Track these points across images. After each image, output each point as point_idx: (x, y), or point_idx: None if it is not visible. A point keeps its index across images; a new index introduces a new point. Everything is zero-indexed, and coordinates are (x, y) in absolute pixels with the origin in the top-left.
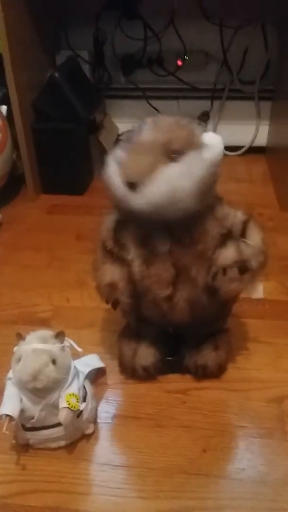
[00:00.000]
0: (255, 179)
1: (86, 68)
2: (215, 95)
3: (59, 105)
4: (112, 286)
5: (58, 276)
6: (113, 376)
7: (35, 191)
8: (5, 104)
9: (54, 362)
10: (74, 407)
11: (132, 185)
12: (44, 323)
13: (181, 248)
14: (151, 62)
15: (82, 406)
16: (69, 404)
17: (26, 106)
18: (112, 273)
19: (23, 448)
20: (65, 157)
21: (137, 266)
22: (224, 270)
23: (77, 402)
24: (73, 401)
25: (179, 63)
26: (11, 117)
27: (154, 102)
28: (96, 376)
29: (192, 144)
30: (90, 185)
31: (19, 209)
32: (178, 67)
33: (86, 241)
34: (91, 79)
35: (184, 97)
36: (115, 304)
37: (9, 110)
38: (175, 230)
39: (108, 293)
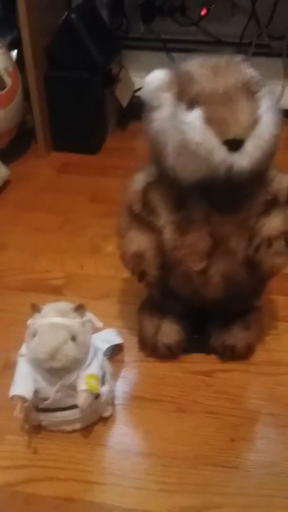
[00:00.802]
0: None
1: (103, 14)
2: (240, 49)
3: (74, 51)
4: (139, 255)
5: (71, 241)
6: (131, 353)
7: (45, 148)
8: (16, 48)
9: (73, 339)
10: (94, 390)
11: (235, 144)
12: (55, 291)
13: (221, 215)
14: (173, 10)
15: (103, 389)
16: (89, 386)
17: (39, 52)
18: (139, 241)
19: (35, 429)
20: (79, 111)
21: (168, 234)
22: (269, 242)
23: (98, 384)
24: (93, 383)
25: (203, 12)
26: (22, 63)
27: (175, 55)
28: (113, 352)
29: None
30: (104, 144)
31: (29, 167)
32: (201, 16)
33: (100, 204)
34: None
35: (207, 51)
36: (141, 276)
37: (20, 56)
38: (215, 194)
39: (135, 264)
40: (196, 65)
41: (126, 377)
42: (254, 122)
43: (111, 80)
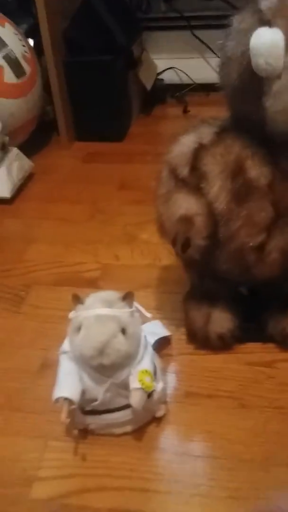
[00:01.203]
0: None
1: None
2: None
3: (94, 33)
4: (187, 220)
5: (103, 231)
6: (179, 346)
7: (68, 138)
8: (32, 38)
9: (123, 331)
10: (149, 388)
11: None
12: (91, 284)
13: (286, 182)
14: None
15: (158, 386)
16: (142, 384)
17: (57, 36)
18: (188, 203)
19: (81, 433)
20: (102, 97)
21: (223, 203)
22: None
23: (152, 381)
24: (147, 380)
25: None
26: (40, 51)
27: (199, 33)
28: (159, 346)
29: None
30: (129, 131)
31: (52, 159)
32: None
33: (130, 191)
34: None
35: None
36: (185, 246)
37: (36, 44)
38: (282, 157)
39: (181, 230)
40: None
41: (176, 373)
42: None
43: (133, 63)
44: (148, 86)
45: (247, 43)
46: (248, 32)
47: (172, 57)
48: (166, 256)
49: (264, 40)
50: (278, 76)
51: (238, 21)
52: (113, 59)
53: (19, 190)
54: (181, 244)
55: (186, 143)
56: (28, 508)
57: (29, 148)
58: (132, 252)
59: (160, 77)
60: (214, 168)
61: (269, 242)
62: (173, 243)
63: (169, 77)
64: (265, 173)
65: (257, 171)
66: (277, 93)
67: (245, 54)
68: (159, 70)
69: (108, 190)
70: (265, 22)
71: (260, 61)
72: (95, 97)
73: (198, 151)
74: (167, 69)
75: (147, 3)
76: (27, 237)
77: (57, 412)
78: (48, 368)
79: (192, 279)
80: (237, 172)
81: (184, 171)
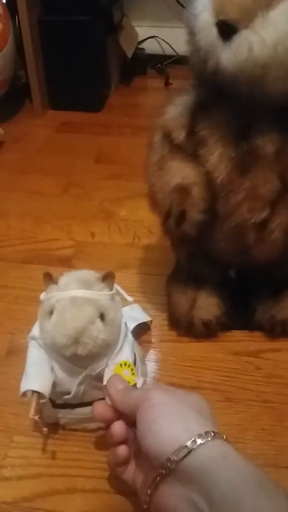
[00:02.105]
0: None
1: None
2: None
3: None
4: (182, 190)
5: (77, 206)
6: (159, 332)
7: (42, 106)
8: None
9: (102, 317)
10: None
11: (227, 28)
12: (64, 262)
13: None
14: None
15: (138, 381)
16: None
17: None
18: (184, 171)
19: (51, 428)
20: (79, 61)
21: (223, 173)
22: None
23: (132, 374)
24: (126, 373)
25: None
26: (13, 9)
27: (185, 1)
28: (138, 332)
29: None
30: (107, 101)
31: (24, 127)
32: None
33: (108, 165)
34: None
35: None
36: (179, 220)
37: (9, 2)
38: None
39: (175, 201)
40: None
41: (156, 362)
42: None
43: (113, 27)
44: (129, 53)
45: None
46: None
47: (155, 25)
48: (146, 234)
49: None
50: None
51: None
52: (92, 20)
53: None
54: (176, 218)
55: (181, 104)
56: None
57: None
58: (109, 229)
59: (141, 46)
60: (215, 132)
61: (272, 219)
62: (166, 216)
63: (150, 47)
64: (273, 140)
65: (263, 137)
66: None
67: None
68: (140, 39)
69: (84, 163)
70: None
71: None
72: (72, 61)
73: (196, 112)
74: (149, 37)
75: None
76: None
77: (24, 404)
78: (15, 354)
79: (179, 260)
80: (240, 138)
81: (180, 136)
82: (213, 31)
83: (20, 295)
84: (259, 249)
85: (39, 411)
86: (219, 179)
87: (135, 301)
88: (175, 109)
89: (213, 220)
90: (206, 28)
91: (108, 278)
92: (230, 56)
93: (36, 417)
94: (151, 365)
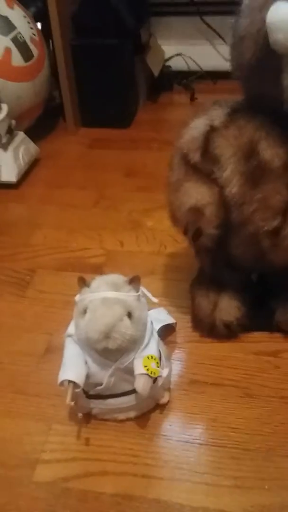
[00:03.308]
0: None
1: None
2: None
3: (102, 15)
4: (197, 211)
5: (107, 217)
6: (184, 333)
7: (74, 124)
8: (40, 21)
9: (129, 315)
10: (155, 374)
11: None
12: (96, 270)
13: None
14: None
15: (164, 372)
16: (147, 369)
17: (65, 20)
18: (198, 193)
19: (85, 418)
20: (108, 81)
21: (236, 187)
22: None
23: (158, 366)
24: (152, 365)
25: None
26: (48, 35)
27: (209, 19)
28: (164, 333)
29: None
30: (135, 117)
31: (58, 144)
32: None
33: (136, 178)
34: None
35: None
36: (196, 235)
37: (44, 28)
38: None
39: (191, 220)
40: None
41: (181, 360)
42: None
43: (141, 48)
44: (156, 72)
45: (262, 19)
46: (263, 8)
47: (180, 43)
48: (172, 243)
49: (284, 14)
50: None
51: None
52: (121, 42)
53: (25, 175)
54: (193, 233)
55: (197, 127)
56: (31, 490)
57: (36, 133)
58: (137, 238)
59: (167, 63)
60: (227, 151)
61: (285, 227)
62: (185, 232)
63: (176, 64)
64: (280, 154)
65: (271, 152)
66: None
67: (261, 31)
68: (166, 57)
69: (114, 176)
70: None
71: (279, 37)
72: (102, 82)
73: (210, 134)
74: (175, 55)
75: None
76: (32, 222)
77: (62, 396)
78: (53, 352)
79: (202, 265)
80: (250, 153)
81: (195, 156)
82: None
83: (56, 299)
84: (275, 254)
85: (74, 399)
86: (232, 193)
87: (160, 305)
88: (190, 132)
89: (229, 231)
90: None
91: (134, 281)
92: None
93: (72, 403)
94: (176, 363)
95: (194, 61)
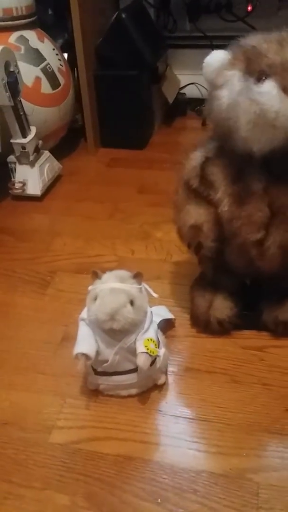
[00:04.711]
0: None
1: (151, 13)
2: None
3: (123, 49)
4: (196, 228)
5: (121, 228)
6: (183, 329)
7: (95, 145)
8: (66, 52)
9: (132, 303)
10: (153, 353)
11: None
12: None
13: (279, 186)
14: (219, 7)
15: (160, 352)
16: (147, 349)
17: (89, 52)
18: (197, 214)
19: (93, 393)
20: (127, 108)
21: (226, 206)
22: None
23: (156, 347)
24: (151, 346)
25: (249, 8)
26: (73, 64)
27: None
28: (165, 328)
29: None
30: (151, 139)
31: (79, 162)
32: (248, 12)
33: (148, 194)
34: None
35: None
36: (198, 248)
37: (70, 58)
38: (274, 165)
39: (192, 236)
40: (260, 41)
41: (179, 351)
42: None
43: (157, 78)
44: (170, 99)
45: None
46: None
47: (194, 73)
48: (177, 252)
49: (208, 57)
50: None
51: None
52: (139, 74)
53: (49, 189)
54: (194, 247)
55: (194, 158)
56: (46, 450)
57: (59, 152)
58: (146, 247)
59: (182, 91)
60: (218, 177)
61: (267, 238)
62: (189, 246)
63: (190, 92)
64: (261, 179)
65: (254, 177)
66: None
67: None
68: (181, 85)
69: (129, 192)
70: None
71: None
72: (121, 108)
73: (205, 164)
74: (189, 84)
75: (173, 22)
76: (53, 230)
77: (75, 376)
78: (68, 341)
79: (204, 271)
80: (236, 178)
81: (195, 183)
82: None
83: (72, 297)
84: (261, 262)
85: (86, 370)
86: (223, 211)
87: (164, 304)
88: (190, 163)
89: (223, 242)
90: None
91: (137, 277)
92: None
93: (83, 370)
94: (174, 354)
95: (206, 89)
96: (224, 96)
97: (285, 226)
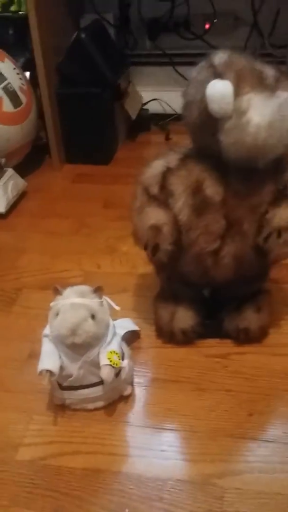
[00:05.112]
0: None
1: (111, 32)
2: None
3: (84, 67)
4: (156, 229)
5: (87, 243)
6: (149, 340)
7: (59, 161)
8: (28, 70)
9: (93, 317)
10: (116, 365)
11: None
12: None
13: (236, 199)
14: (177, 26)
15: (124, 363)
16: (110, 361)
17: (50, 70)
18: (157, 215)
19: (60, 409)
20: (91, 125)
21: (185, 216)
22: (279, 232)
23: (119, 359)
24: (114, 358)
25: (207, 26)
26: (35, 83)
27: (181, 69)
28: (130, 340)
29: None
30: (115, 155)
31: (44, 179)
32: (206, 30)
33: (114, 209)
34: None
35: None
36: (154, 250)
37: (32, 76)
38: (232, 179)
39: (150, 237)
40: (244, 61)
41: (145, 362)
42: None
43: (120, 94)
44: (133, 115)
45: (203, 91)
46: (204, 83)
47: (156, 89)
48: (142, 265)
49: (216, 90)
50: (229, 117)
51: (196, 72)
52: (101, 91)
53: (13, 206)
54: (151, 249)
55: (156, 167)
56: (13, 467)
57: (24, 169)
58: (112, 261)
59: (145, 107)
60: (179, 187)
61: (223, 248)
62: (145, 247)
63: (153, 107)
64: (219, 192)
65: (212, 190)
66: (228, 130)
67: (203, 99)
68: (144, 101)
69: (94, 207)
70: (217, 75)
71: (214, 106)
72: (84, 124)
73: (166, 173)
74: (152, 100)
75: (134, 40)
76: (19, 247)
77: (41, 392)
78: (35, 358)
79: (162, 282)
80: (196, 190)
81: (155, 190)
82: None
83: (39, 314)
84: (216, 271)
85: (51, 385)
86: (182, 220)
87: (130, 317)
88: (151, 170)
89: (180, 249)
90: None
91: (98, 291)
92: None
93: (48, 386)
94: (140, 365)
95: (169, 105)
96: (255, 119)
97: (239, 237)
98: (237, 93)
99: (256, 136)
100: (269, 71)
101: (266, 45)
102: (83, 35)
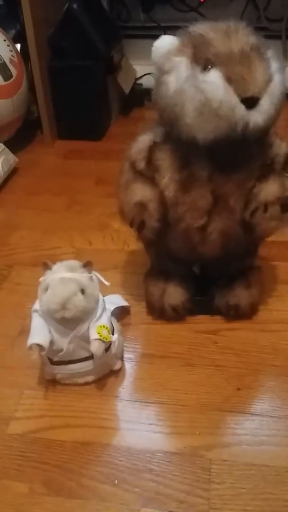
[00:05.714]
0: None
1: (103, 4)
2: None
3: (76, 39)
4: (141, 205)
5: (78, 220)
6: (139, 316)
7: (51, 136)
8: (19, 42)
9: (82, 291)
10: (106, 339)
11: (252, 101)
12: None
13: (222, 175)
14: None
15: (113, 337)
16: (100, 335)
17: (42, 42)
18: (143, 192)
19: (50, 383)
20: (83, 99)
21: (172, 192)
22: (265, 207)
23: (109, 333)
24: (104, 332)
25: None
26: (26, 55)
27: None
28: (120, 316)
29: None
30: (107, 131)
31: (35, 155)
32: (200, 2)
33: (106, 186)
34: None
35: None
36: (140, 227)
37: (23, 49)
38: (220, 154)
39: (136, 213)
40: (208, 29)
41: (135, 338)
42: (268, 80)
43: (113, 68)
44: (126, 90)
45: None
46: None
47: (151, 63)
48: (134, 242)
49: (158, 41)
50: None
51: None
52: (94, 64)
53: (4, 182)
54: (137, 226)
55: (142, 141)
56: (4, 441)
57: (15, 144)
58: (104, 238)
59: (139, 81)
60: (165, 162)
61: (209, 224)
62: (131, 224)
63: (147, 82)
64: (206, 167)
65: (199, 165)
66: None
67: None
68: (138, 75)
69: (86, 184)
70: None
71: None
72: (77, 99)
73: (153, 148)
74: (146, 74)
75: (127, 12)
76: (10, 224)
77: (32, 368)
78: (26, 334)
79: (152, 259)
80: (183, 166)
81: (141, 164)
82: (241, 105)
83: (30, 290)
84: (203, 247)
85: (41, 359)
86: (169, 196)
87: (121, 293)
88: (137, 145)
89: (167, 226)
90: (234, 104)
91: (87, 265)
92: (256, 117)
93: (38, 360)
94: (130, 341)
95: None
96: (171, 82)
97: (226, 213)
98: (175, 53)
99: (166, 97)
100: (221, 49)
101: (262, 19)
102: (74, 6)
